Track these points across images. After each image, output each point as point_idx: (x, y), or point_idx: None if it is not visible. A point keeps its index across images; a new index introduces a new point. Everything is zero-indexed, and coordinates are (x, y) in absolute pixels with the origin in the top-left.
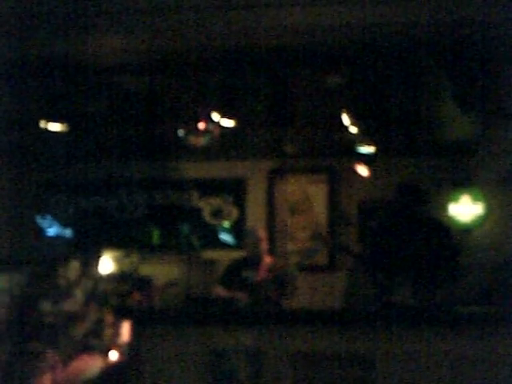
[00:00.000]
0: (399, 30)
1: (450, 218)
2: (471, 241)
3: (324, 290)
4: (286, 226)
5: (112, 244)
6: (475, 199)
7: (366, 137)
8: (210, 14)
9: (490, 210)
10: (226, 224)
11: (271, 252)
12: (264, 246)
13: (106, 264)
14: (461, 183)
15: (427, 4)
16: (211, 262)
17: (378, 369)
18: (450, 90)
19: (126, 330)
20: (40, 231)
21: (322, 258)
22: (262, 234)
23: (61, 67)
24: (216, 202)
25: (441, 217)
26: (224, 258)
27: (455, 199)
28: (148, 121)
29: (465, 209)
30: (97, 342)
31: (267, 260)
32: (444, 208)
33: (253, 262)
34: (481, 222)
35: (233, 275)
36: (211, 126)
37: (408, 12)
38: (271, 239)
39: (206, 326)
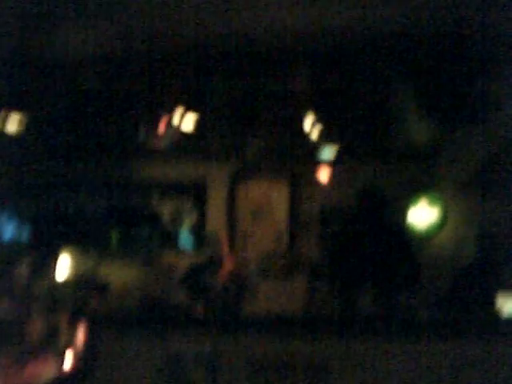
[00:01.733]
0: (364, 35)
1: (410, 224)
2: (431, 246)
3: (284, 297)
4: (247, 230)
5: (70, 246)
6: (436, 205)
7: (327, 141)
8: (172, 14)
9: (449, 216)
10: (186, 227)
11: (232, 256)
12: (224, 250)
13: (64, 266)
14: (421, 189)
15: (393, 10)
16: (170, 266)
17: (333, 377)
18: (413, 96)
19: (82, 333)
20: None
21: (282, 264)
22: (223, 237)
23: (20, 62)
24: (176, 204)
25: (401, 223)
26: (183, 261)
27: (416, 205)
28: (109, 122)
29: (425, 214)
30: (52, 346)
31: (228, 264)
32: (404, 214)
33: (213, 266)
34: (441, 227)
35: (192, 279)
36: (172, 128)
37: (374, 17)
38: (232, 243)
39: (163, 330)
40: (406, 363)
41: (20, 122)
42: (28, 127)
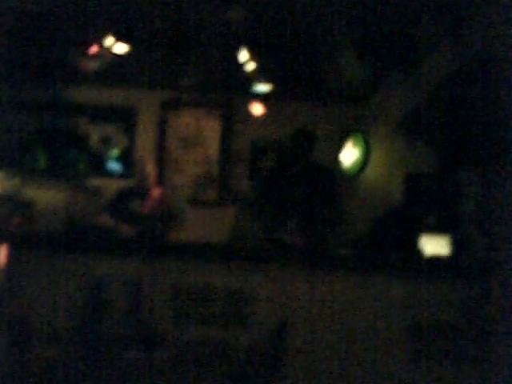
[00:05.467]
0: None
1: (339, 164)
2: (358, 187)
3: (211, 226)
4: (177, 158)
5: None
6: (363, 146)
7: (262, 75)
8: None
9: (376, 158)
10: (115, 152)
11: (160, 184)
12: (152, 176)
13: None
14: (352, 130)
15: None
16: (97, 190)
17: (253, 305)
18: (347, 38)
19: (2, 253)
20: None
21: (211, 194)
22: (151, 164)
23: None
24: (105, 129)
25: (329, 162)
26: (110, 186)
27: (345, 145)
28: (39, 42)
29: (352, 155)
30: None
31: (155, 191)
32: (334, 153)
33: (140, 192)
34: (367, 168)
35: (119, 204)
36: (104, 51)
37: None
38: (161, 171)
39: (87, 253)
40: (325, 293)
41: None
42: None
